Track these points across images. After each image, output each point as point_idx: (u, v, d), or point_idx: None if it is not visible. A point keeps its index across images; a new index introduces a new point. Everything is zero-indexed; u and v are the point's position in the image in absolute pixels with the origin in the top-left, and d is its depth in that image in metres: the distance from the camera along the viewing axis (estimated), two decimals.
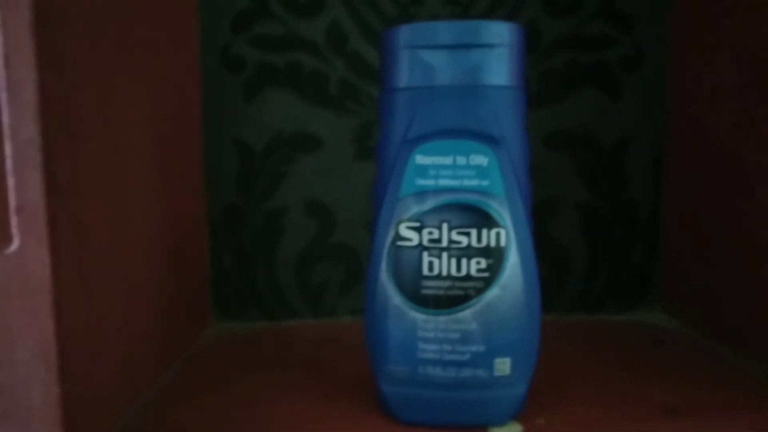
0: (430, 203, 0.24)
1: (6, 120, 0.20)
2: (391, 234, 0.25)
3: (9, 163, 0.20)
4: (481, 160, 0.24)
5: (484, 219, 0.24)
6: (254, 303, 0.41)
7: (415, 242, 0.25)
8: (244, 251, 0.41)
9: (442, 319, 0.25)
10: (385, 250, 0.25)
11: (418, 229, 0.25)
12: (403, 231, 0.25)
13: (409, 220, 0.25)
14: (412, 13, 0.39)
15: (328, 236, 0.41)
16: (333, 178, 0.40)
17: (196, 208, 0.39)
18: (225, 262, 0.41)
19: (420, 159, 0.24)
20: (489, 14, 0.39)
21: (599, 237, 0.42)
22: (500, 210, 0.24)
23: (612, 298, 0.42)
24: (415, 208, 0.25)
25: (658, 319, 0.41)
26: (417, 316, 0.25)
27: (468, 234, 0.24)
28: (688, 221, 0.39)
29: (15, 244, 0.20)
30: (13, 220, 0.20)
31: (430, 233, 0.25)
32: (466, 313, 0.25)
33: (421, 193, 0.25)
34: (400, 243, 0.25)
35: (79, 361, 0.22)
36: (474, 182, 0.24)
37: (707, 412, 0.27)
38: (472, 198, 0.24)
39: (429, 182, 0.24)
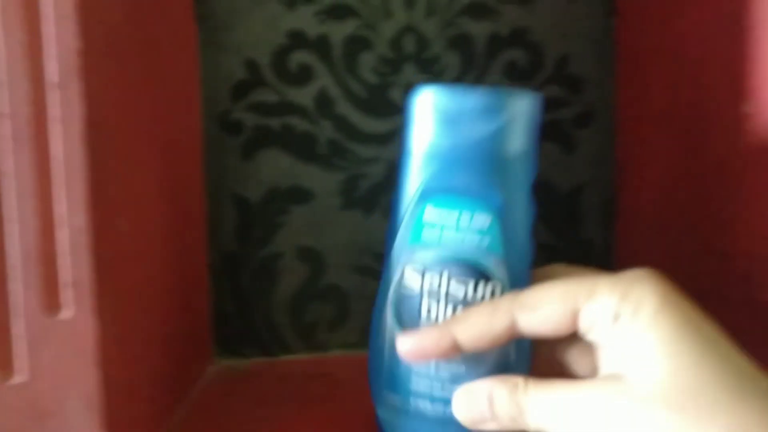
0: (433, 254, 0.28)
1: (62, 209, 0.24)
2: (397, 277, 0.28)
3: (66, 245, 0.24)
4: (484, 220, 0.27)
5: (481, 274, 0.27)
6: (252, 341, 0.46)
7: (417, 288, 0.28)
8: (243, 294, 0.45)
9: (434, 360, 0.28)
10: (391, 291, 0.28)
11: (421, 276, 0.28)
12: (408, 276, 0.28)
13: (414, 267, 0.28)
14: (389, 81, 0.44)
15: (318, 279, 0.45)
16: (322, 227, 0.45)
17: (199, 257, 0.43)
18: (225, 304, 0.45)
19: (429, 213, 0.28)
20: (458, 81, 0.45)
21: None
22: (497, 267, 0.27)
23: None
24: (420, 257, 0.28)
25: None
26: None
27: (465, 285, 0.27)
28: (637, 258, 0.44)
29: (69, 313, 0.24)
30: (68, 293, 0.24)
31: (431, 281, 0.28)
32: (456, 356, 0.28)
33: (427, 245, 0.28)
34: (404, 286, 0.28)
35: (119, 406, 0.26)
36: (475, 239, 0.27)
37: None
38: (472, 254, 0.27)
39: (434, 234, 0.27)
